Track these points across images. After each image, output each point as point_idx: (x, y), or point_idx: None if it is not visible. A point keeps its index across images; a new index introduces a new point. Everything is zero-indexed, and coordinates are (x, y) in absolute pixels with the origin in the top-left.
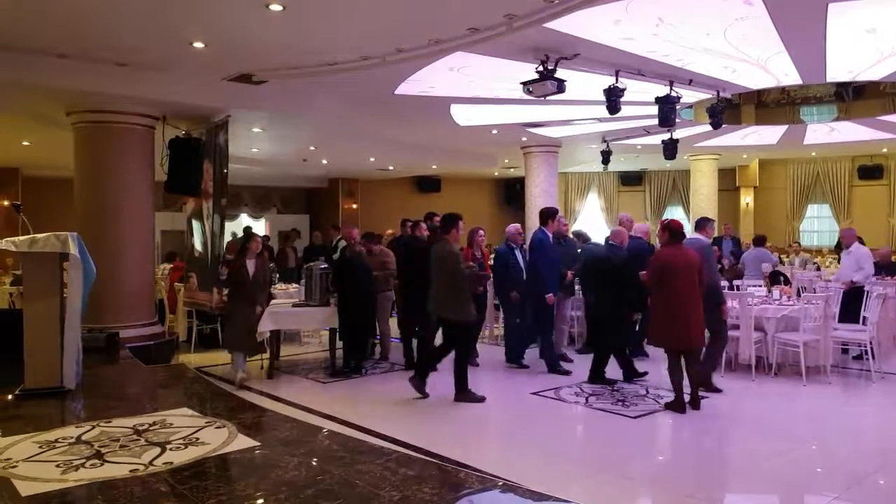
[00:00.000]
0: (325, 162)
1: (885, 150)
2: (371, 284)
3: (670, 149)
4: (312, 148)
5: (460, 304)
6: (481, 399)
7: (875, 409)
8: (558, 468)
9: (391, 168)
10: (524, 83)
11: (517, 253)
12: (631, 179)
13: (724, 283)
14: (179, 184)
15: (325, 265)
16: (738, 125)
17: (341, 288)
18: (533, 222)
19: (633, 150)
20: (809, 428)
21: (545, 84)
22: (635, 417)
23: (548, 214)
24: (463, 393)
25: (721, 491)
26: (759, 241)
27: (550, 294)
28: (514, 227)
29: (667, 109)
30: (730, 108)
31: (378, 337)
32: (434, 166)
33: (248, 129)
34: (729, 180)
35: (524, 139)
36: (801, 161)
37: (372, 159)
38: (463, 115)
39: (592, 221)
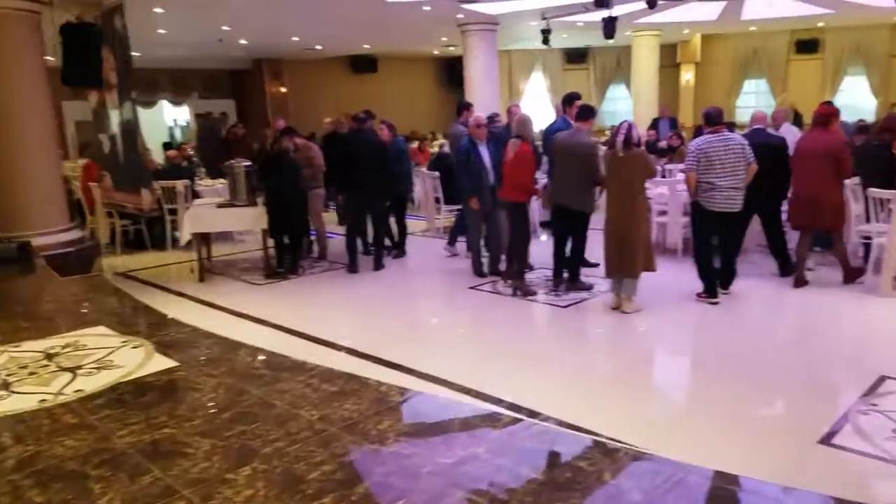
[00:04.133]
0: (243, 42)
1: (821, 24)
2: (300, 181)
3: (609, 27)
4: (226, 28)
5: (585, 196)
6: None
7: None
8: (488, 366)
9: (319, 48)
10: None
11: (482, 149)
12: (575, 57)
13: (669, 166)
14: (77, 75)
15: (249, 162)
16: (678, 1)
17: (269, 186)
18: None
19: (576, 28)
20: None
21: None
22: (564, 307)
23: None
24: (576, 282)
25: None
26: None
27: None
28: (478, 117)
29: None
30: None
31: (314, 233)
32: (367, 46)
33: (148, 9)
34: (670, 56)
35: (460, 16)
36: (740, 36)
37: (295, 39)
38: None
39: (538, 102)
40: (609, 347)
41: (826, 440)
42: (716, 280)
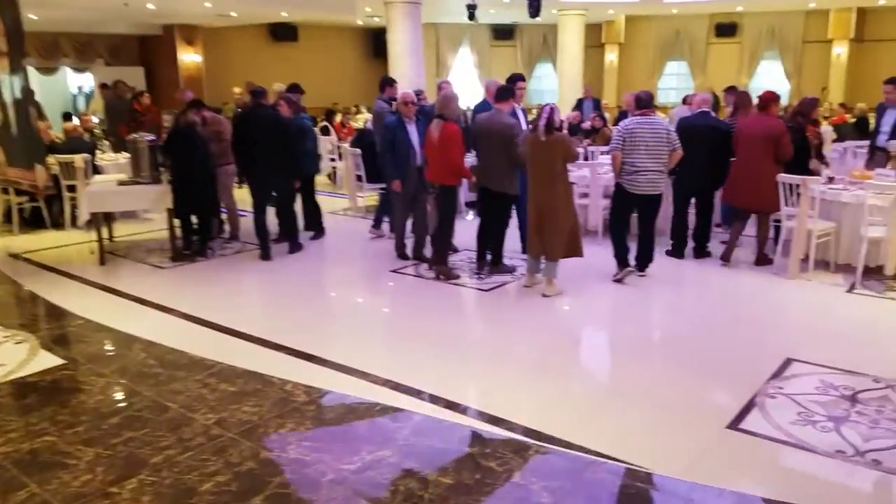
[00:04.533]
0: (151, 7)
1: (739, 8)
2: (209, 158)
3: (534, 6)
4: None
5: (508, 178)
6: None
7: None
8: (407, 354)
9: (233, 14)
10: None
11: (410, 128)
12: (503, 34)
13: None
14: None
15: (153, 137)
16: None
17: (174, 163)
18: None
19: (502, 4)
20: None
21: None
22: (487, 290)
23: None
24: (499, 265)
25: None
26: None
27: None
28: (407, 94)
29: None
30: None
31: (224, 210)
32: (285, 14)
33: None
34: (595, 37)
35: None
36: (663, 18)
37: (207, 4)
38: None
39: (464, 77)
40: (530, 333)
41: (734, 425)
42: (627, 252)
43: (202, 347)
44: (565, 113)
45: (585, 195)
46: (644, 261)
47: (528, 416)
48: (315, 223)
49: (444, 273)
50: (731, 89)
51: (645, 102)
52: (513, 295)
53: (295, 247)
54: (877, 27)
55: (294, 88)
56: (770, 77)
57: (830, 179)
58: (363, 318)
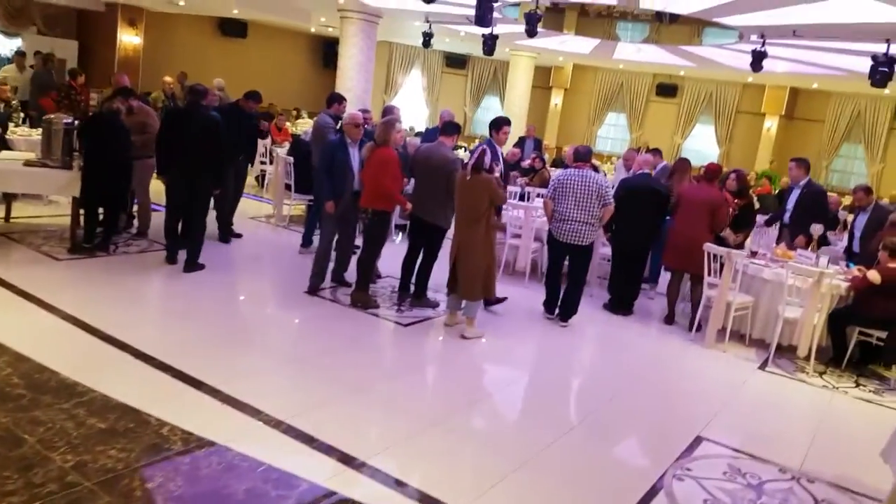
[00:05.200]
0: None
1: (682, 72)
2: (127, 148)
3: (489, 44)
4: None
5: (443, 210)
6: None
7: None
8: (304, 391)
9: (181, 3)
10: None
11: (352, 150)
12: (456, 62)
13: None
14: None
15: (71, 119)
16: (559, 31)
17: (88, 149)
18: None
19: (453, 35)
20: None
21: None
22: (405, 325)
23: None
24: (422, 298)
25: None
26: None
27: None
28: (355, 115)
29: (485, 8)
30: (556, 12)
31: (137, 201)
32: (235, 11)
33: None
34: (544, 78)
35: (341, 1)
36: (609, 70)
37: None
38: None
39: (413, 100)
40: (439, 380)
41: None
42: (556, 300)
43: (80, 359)
44: (506, 149)
45: (518, 235)
46: (566, 311)
47: (422, 480)
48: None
49: (363, 301)
50: (655, 151)
51: (582, 156)
52: (431, 333)
53: (193, 265)
54: (806, 107)
55: (252, 96)
56: (703, 140)
57: (753, 254)
58: (265, 343)
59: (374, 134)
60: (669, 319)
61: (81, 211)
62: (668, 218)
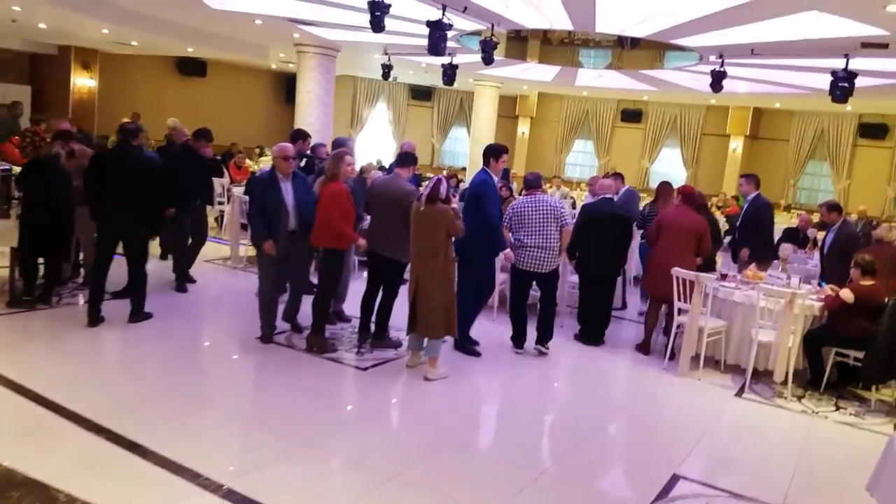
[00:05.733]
0: (43, 26)
1: (645, 97)
2: (69, 195)
3: (449, 74)
4: (17, 8)
5: (401, 244)
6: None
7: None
8: (252, 451)
9: (134, 43)
10: None
11: (284, 186)
12: (421, 94)
13: None
14: None
15: (7, 166)
16: (522, 60)
17: (28, 196)
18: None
19: (417, 67)
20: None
21: None
22: (364, 369)
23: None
24: (383, 338)
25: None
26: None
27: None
28: (285, 148)
29: (437, 37)
30: (519, 41)
31: (81, 249)
32: (190, 49)
33: None
34: (509, 108)
35: (296, 35)
36: (574, 98)
37: (105, 31)
38: None
39: (379, 132)
40: (399, 431)
41: None
42: (522, 334)
43: (16, 422)
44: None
45: None
46: (543, 336)
47: None
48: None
49: (319, 345)
50: (616, 175)
51: (531, 183)
52: (391, 376)
53: (139, 314)
54: (770, 126)
55: (202, 135)
56: (670, 163)
57: (723, 276)
58: (211, 397)
59: (325, 168)
60: (646, 349)
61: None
62: (641, 242)
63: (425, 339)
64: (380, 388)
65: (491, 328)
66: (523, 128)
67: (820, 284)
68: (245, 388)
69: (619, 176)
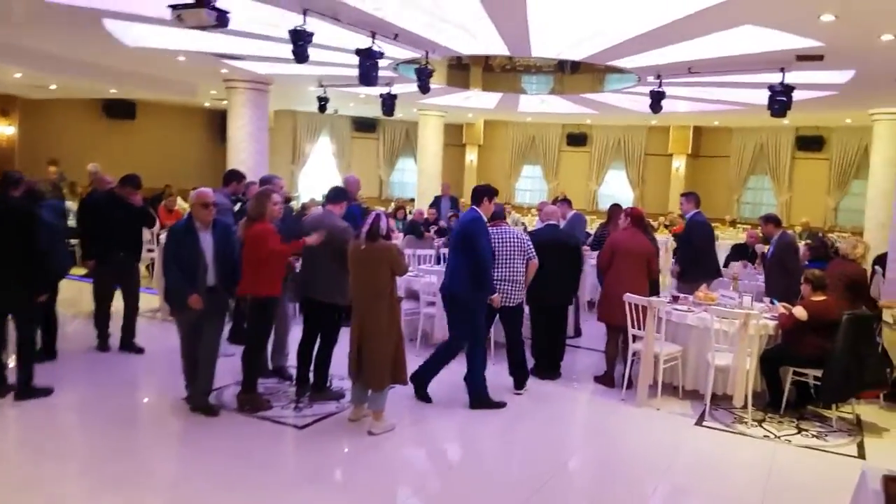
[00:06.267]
0: None
1: (589, 120)
2: None
3: (388, 104)
4: None
5: (337, 286)
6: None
7: None
8: None
9: (53, 87)
10: (172, 6)
11: (203, 236)
12: (365, 126)
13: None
14: None
15: None
16: (465, 87)
17: None
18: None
19: (357, 98)
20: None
21: (200, 13)
22: (302, 427)
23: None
24: (323, 391)
25: None
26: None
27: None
28: (204, 194)
29: (368, 65)
30: (460, 68)
31: None
32: (114, 91)
33: None
34: (456, 136)
35: (224, 71)
36: (519, 124)
37: (18, 75)
38: (128, 34)
39: (324, 167)
40: (341, 492)
41: None
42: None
43: None
44: (423, 206)
45: (433, 303)
46: (518, 377)
47: None
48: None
49: (251, 403)
50: (563, 201)
51: (495, 215)
52: (333, 433)
53: (26, 391)
54: (711, 144)
55: (129, 181)
56: (616, 185)
57: (675, 299)
58: (123, 475)
59: (247, 208)
60: (609, 381)
61: None
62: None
63: (370, 391)
64: (318, 448)
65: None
66: (471, 156)
67: (772, 302)
68: (162, 460)
69: (566, 202)
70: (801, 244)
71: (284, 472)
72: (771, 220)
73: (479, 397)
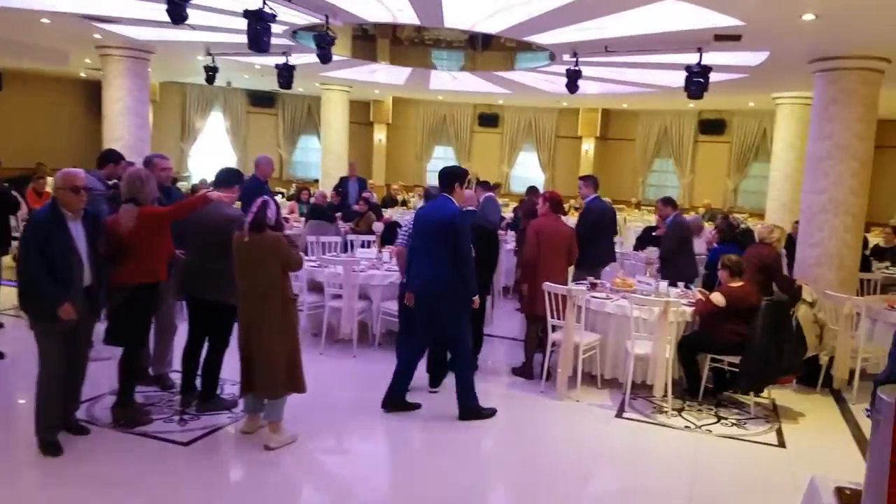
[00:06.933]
0: None
1: (500, 101)
2: None
3: (285, 76)
4: None
5: (225, 283)
6: None
7: None
8: None
9: None
10: None
11: (73, 227)
12: (262, 100)
13: (351, 236)
14: None
15: None
16: (372, 60)
17: None
18: (115, 143)
19: (253, 70)
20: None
21: None
22: (188, 444)
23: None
24: (211, 400)
25: None
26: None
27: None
28: (73, 175)
29: (258, 29)
30: (366, 39)
31: None
32: None
33: None
34: (363, 114)
35: (98, 37)
36: (430, 103)
37: None
38: None
39: (217, 143)
40: None
41: None
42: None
43: None
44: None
45: (338, 296)
46: (434, 373)
47: None
48: None
49: (127, 417)
50: (482, 184)
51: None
52: (223, 449)
53: None
54: (618, 127)
55: None
56: (528, 167)
57: (593, 286)
58: None
59: (123, 192)
60: (528, 373)
61: None
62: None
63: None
64: (206, 467)
65: (352, 367)
66: (380, 135)
67: (688, 287)
68: (20, 494)
69: (484, 184)
70: (708, 226)
71: (164, 498)
72: (667, 203)
73: (470, 406)
